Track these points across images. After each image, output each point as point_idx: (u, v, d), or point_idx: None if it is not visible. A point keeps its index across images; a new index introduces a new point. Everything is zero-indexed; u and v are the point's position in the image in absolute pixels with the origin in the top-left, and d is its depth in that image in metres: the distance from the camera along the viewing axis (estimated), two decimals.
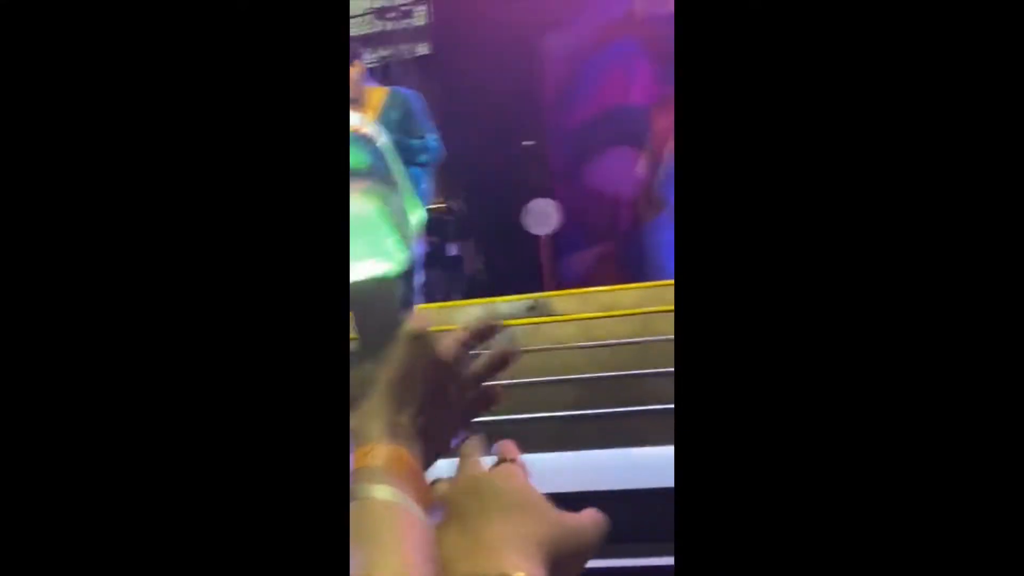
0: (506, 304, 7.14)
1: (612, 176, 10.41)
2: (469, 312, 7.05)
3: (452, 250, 8.87)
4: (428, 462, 0.56)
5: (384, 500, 0.49)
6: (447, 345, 0.60)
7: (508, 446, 0.57)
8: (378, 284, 0.65)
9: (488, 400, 0.62)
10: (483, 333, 0.62)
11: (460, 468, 0.56)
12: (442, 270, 8.95)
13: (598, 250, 10.43)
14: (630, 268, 9.95)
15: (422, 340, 0.58)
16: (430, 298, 8.71)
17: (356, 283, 0.62)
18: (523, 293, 7.41)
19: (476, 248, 9.02)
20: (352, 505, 0.49)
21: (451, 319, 6.88)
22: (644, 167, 10.22)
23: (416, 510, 0.50)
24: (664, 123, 9.84)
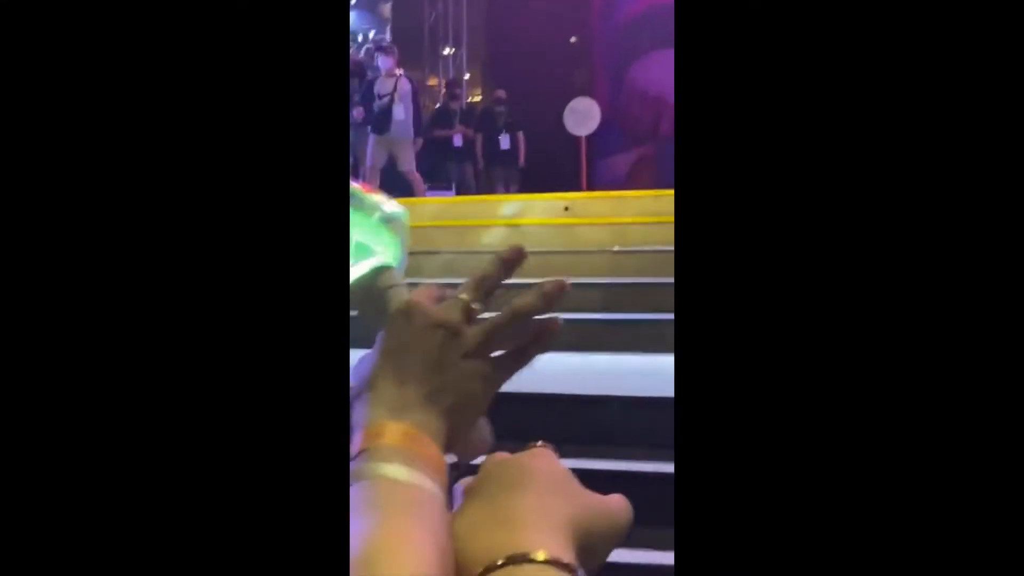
0: (541, 203, 7.10)
1: (657, 79, 10.20)
2: (503, 208, 7.03)
3: (503, 143, 8.77)
4: (444, 435, 0.52)
5: (394, 478, 0.46)
6: (443, 311, 0.54)
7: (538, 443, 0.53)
8: (374, 275, 0.64)
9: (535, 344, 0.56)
10: (485, 288, 0.55)
11: (486, 459, 0.51)
12: (488, 162, 8.88)
13: (637, 153, 10.30)
14: (668, 174, 9.82)
15: (413, 311, 0.54)
16: (471, 190, 8.70)
17: (353, 283, 0.61)
18: (560, 192, 7.37)
19: (513, 142, 8.93)
20: (361, 485, 0.46)
21: (488, 213, 6.87)
22: None
23: (431, 487, 0.47)
24: None
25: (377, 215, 0.60)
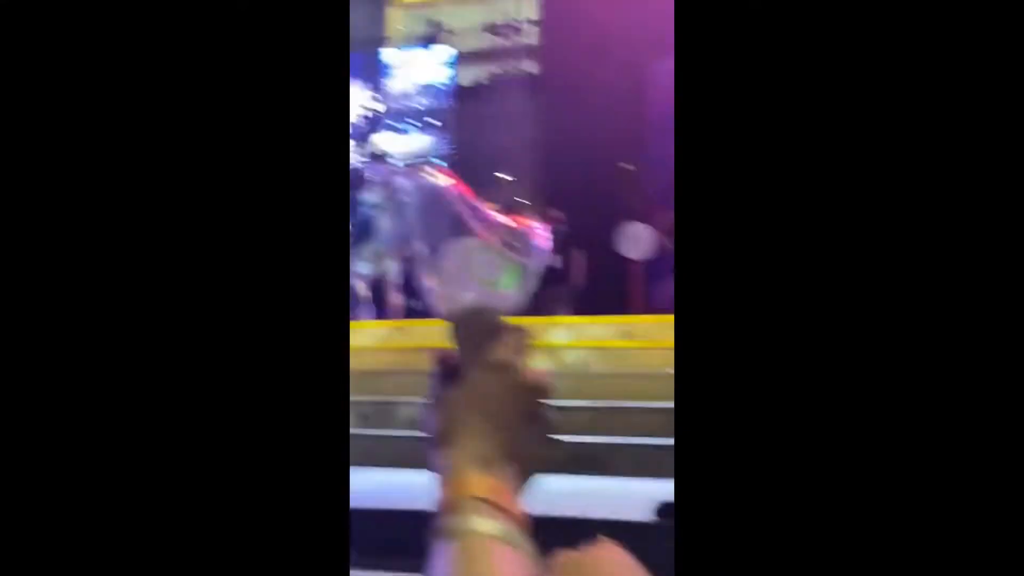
0: (600, 327, 7.09)
1: None
2: (558, 331, 7.03)
3: (556, 263, 8.83)
4: (518, 487, 0.52)
5: (492, 535, 0.47)
6: (531, 371, 0.56)
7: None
8: (484, 307, 0.64)
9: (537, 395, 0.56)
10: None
11: (556, 556, 0.50)
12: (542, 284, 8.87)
13: None
14: None
15: (511, 367, 0.55)
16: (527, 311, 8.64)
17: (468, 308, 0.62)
18: (611, 314, 7.35)
19: (568, 265, 8.98)
20: (460, 543, 0.47)
21: (544, 335, 6.87)
22: None
23: (521, 542, 0.48)
24: None
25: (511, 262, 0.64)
